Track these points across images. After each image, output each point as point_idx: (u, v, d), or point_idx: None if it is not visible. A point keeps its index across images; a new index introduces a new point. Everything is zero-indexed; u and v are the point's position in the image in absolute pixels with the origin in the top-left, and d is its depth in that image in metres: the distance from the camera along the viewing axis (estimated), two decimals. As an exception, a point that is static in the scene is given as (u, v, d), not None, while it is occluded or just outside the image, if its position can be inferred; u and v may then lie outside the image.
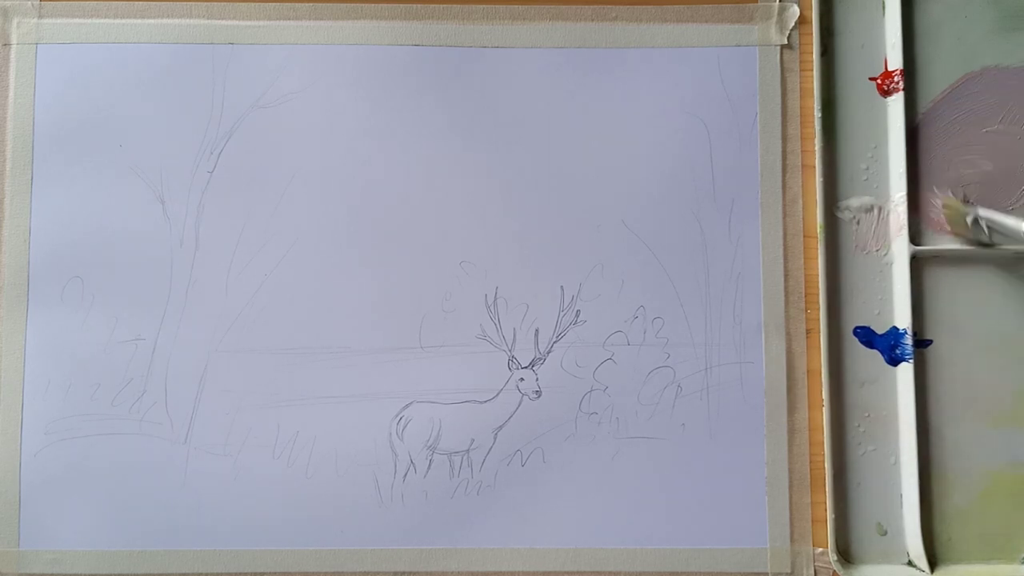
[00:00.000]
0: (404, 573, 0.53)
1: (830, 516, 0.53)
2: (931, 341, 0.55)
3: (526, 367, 0.54)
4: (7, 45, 0.55)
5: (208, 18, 0.56)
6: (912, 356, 0.54)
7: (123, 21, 0.56)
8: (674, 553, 0.53)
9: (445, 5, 0.56)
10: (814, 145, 0.55)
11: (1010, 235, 0.52)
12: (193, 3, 0.56)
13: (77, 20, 0.56)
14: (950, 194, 0.54)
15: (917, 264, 0.55)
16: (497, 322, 0.54)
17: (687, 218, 0.55)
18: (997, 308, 0.55)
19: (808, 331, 0.55)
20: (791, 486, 0.54)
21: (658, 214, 0.55)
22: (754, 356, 0.54)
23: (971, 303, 0.55)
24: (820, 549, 0.53)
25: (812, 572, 0.53)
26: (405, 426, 0.54)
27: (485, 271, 0.55)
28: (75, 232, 0.54)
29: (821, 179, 0.55)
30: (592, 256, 0.55)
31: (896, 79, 0.55)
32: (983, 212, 0.53)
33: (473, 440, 0.54)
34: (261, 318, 0.54)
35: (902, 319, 0.54)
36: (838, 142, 0.56)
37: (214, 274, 0.54)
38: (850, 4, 0.57)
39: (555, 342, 0.54)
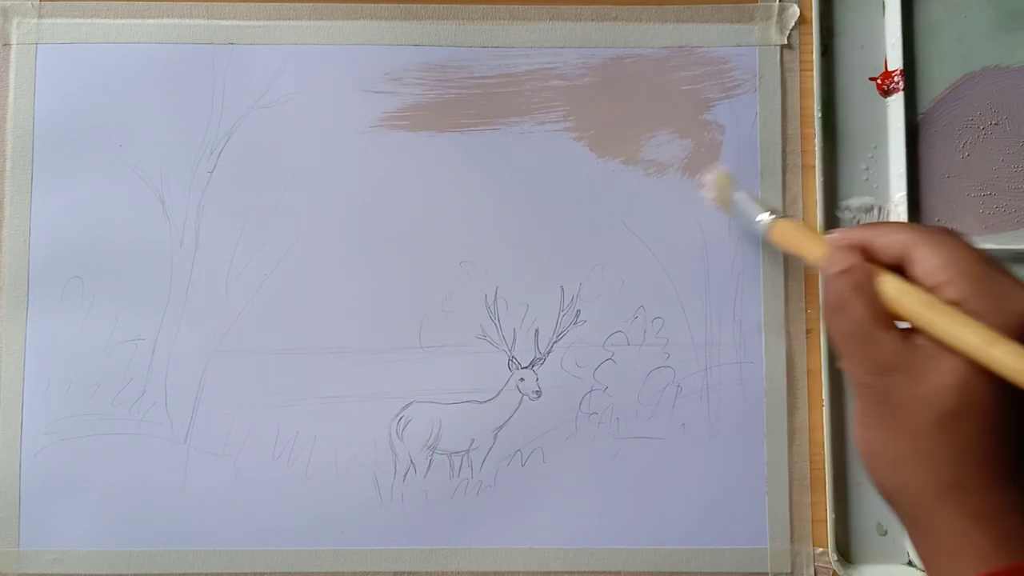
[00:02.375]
0: (404, 573, 0.53)
1: (830, 516, 0.53)
2: (931, 341, 0.55)
3: (526, 367, 0.54)
4: (7, 45, 0.55)
5: (208, 18, 0.56)
6: (912, 356, 0.54)
7: (123, 21, 0.56)
8: (674, 553, 0.53)
9: (445, 5, 0.56)
10: (814, 145, 0.55)
11: (747, 221, 0.51)
12: (193, 3, 0.56)
13: (77, 20, 0.56)
14: (722, 168, 0.53)
15: (917, 264, 0.55)
16: (497, 322, 0.54)
17: (687, 218, 0.55)
18: (997, 308, 0.55)
19: (808, 331, 0.55)
20: (791, 486, 0.54)
21: (658, 214, 0.55)
22: (754, 356, 0.54)
23: (971, 303, 0.55)
24: (820, 549, 0.53)
25: (812, 572, 0.53)
26: (405, 426, 0.54)
27: (485, 271, 0.55)
28: (75, 232, 0.54)
29: (821, 179, 0.55)
30: (592, 256, 0.55)
31: (896, 79, 0.55)
32: (738, 195, 0.51)
33: (473, 440, 0.54)
34: (261, 318, 0.54)
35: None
36: (838, 142, 0.56)
37: (214, 274, 0.54)
38: (850, 4, 0.57)
39: (555, 342, 0.54)
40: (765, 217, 0.49)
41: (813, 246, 0.42)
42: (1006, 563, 0.29)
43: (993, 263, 0.32)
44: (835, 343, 0.34)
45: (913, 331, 0.33)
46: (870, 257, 0.35)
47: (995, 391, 0.30)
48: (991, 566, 0.29)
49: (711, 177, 0.54)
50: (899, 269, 0.34)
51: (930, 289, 0.32)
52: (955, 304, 0.31)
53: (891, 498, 0.33)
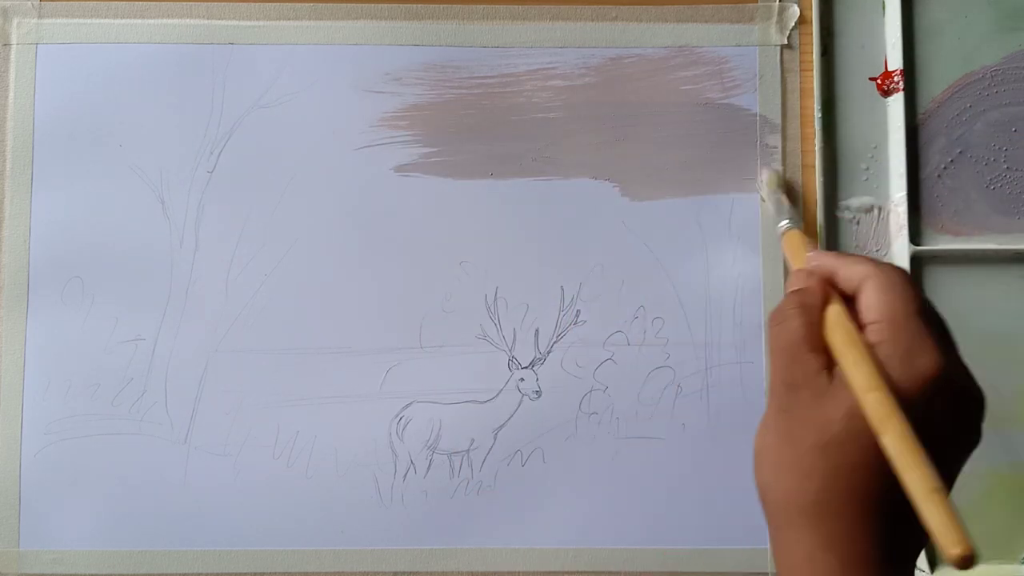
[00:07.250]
0: (404, 573, 0.53)
1: (830, 516, 0.53)
2: (931, 341, 0.55)
3: (526, 367, 0.54)
4: (7, 45, 0.55)
5: (208, 18, 0.56)
6: (912, 356, 0.54)
7: (123, 21, 0.56)
8: (674, 553, 0.53)
9: (445, 5, 0.56)
10: (814, 145, 0.55)
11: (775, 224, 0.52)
12: (193, 3, 0.56)
13: (77, 20, 0.56)
14: (775, 168, 0.54)
15: (917, 264, 0.55)
16: (497, 322, 0.54)
17: (687, 218, 0.55)
18: (997, 308, 0.55)
19: (808, 331, 0.55)
20: (791, 486, 0.54)
21: (658, 214, 0.55)
22: (754, 356, 0.54)
23: (971, 303, 0.55)
24: (820, 549, 0.53)
25: (812, 572, 0.53)
26: (405, 426, 0.54)
27: (485, 271, 0.55)
28: (75, 232, 0.54)
29: (821, 179, 0.55)
30: (592, 256, 0.55)
31: (896, 79, 0.55)
32: (777, 196, 0.53)
33: (473, 440, 0.54)
34: (261, 318, 0.54)
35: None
36: (838, 142, 0.56)
37: (214, 274, 0.54)
38: (850, 4, 0.57)
39: (555, 342, 0.54)
40: (783, 224, 0.50)
41: (796, 262, 0.44)
42: None
43: (928, 317, 0.34)
44: (769, 350, 0.36)
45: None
46: (833, 284, 0.37)
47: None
48: None
49: (764, 175, 0.54)
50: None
51: (864, 326, 0.34)
52: (873, 346, 0.33)
53: (763, 498, 0.35)
